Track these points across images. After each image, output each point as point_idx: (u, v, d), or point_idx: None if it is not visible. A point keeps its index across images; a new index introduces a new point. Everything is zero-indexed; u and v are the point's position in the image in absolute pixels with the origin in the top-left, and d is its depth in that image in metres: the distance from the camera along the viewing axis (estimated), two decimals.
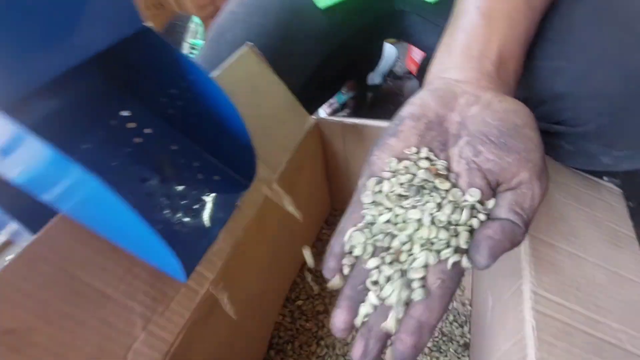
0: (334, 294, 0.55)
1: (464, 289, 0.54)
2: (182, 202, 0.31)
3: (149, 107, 0.32)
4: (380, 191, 0.25)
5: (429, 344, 0.48)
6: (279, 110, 0.47)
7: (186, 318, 0.31)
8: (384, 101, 0.99)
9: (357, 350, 0.23)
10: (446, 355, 0.47)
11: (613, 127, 0.31)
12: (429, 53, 0.56)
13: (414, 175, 0.24)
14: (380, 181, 0.25)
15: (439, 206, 0.23)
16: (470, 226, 0.23)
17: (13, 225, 0.34)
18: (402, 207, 0.24)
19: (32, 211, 0.29)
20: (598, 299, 0.30)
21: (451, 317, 0.51)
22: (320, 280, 0.56)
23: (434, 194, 0.24)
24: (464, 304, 0.52)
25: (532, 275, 0.31)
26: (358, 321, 0.23)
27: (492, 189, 0.24)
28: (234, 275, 0.37)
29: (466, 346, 0.48)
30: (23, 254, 0.25)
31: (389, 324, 0.22)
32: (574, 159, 0.39)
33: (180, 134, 0.33)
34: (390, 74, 1.04)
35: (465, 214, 0.23)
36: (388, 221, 0.24)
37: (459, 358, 0.47)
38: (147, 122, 0.31)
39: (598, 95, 0.30)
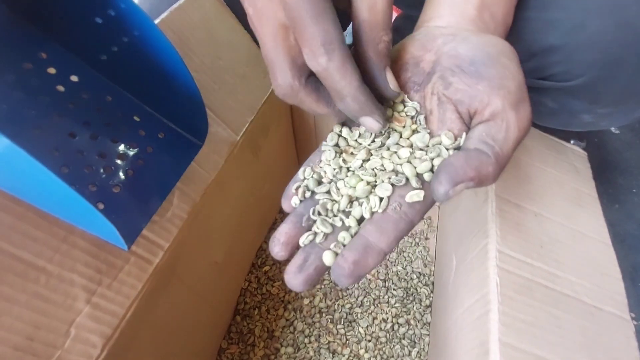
0: None
1: (428, 249, 0.55)
2: (121, 162, 0.27)
3: (75, 51, 0.27)
4: (340, 135, 0.24)
5: (395, 303, 0.49)
6: (241, 63, 0.42)
7: (138, 289, 0.28)
8: None
9: (293, 262, 0.21)
10: (409, 314, 0.48)
11: (603, 81, 0.31)
12: (407, 10, 0.53)
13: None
14: (344, 124, 0.25)
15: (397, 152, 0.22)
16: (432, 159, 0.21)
17: None
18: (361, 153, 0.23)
19: None
20: (559, 255, 0.31)
21: (415, 278, 0.52)
22: None
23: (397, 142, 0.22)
24: (426, 265, 0.53)
25: (498, 234, 0.31)
26: (302, 240, 0.21)
27: (466, 123, 0.22)
28: (193, 243, 0.34)
29: (430, 306, 0.49)
30: None
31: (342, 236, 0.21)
32: (555, 118, 0.38)
33: (116, 85, 0.29)
34: None
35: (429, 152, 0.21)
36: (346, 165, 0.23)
37: (422, 316, 0.48)
38: (73, 68, 0.27)
39: (592, 46, 0.29)
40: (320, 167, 0.24)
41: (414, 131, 0.23)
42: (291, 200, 0.23)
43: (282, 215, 0.59)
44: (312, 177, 0.23)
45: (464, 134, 0.21)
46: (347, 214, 0.22)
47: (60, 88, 0.26)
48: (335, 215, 0.22)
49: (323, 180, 0.24)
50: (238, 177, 0.42)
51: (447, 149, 0.21)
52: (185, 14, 0.36)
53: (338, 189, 0.23)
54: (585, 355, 0.26)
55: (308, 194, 0.23)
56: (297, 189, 0.23)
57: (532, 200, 0.35)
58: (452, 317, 0.37)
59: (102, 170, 0.26)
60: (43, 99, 0.25)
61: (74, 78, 0.27)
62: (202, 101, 0.29)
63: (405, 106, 0.23)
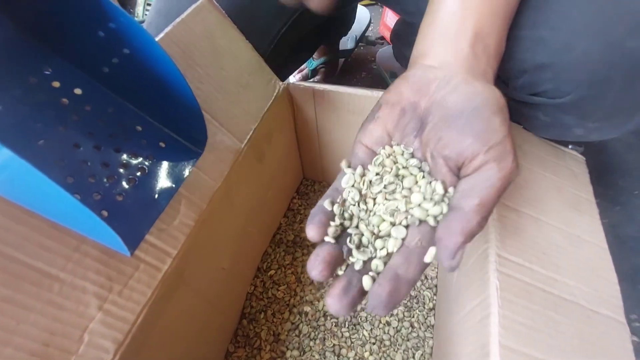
0: (305, 264, 0.55)
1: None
2: (124, 171, 0.28)
3: (78, 64, 0.28)
4: (355, 176, 0.27)
5: (399, 306, 0.50)
6: (243, 72, 0.43)
7: (147, 295, 0.29)
8: (356, 67, 0.96)
9: (337, 286, 0.22)
10: (413, 317, 0.49)
11: (591, 99, 0.31)
12: (406, 17, 0.53)
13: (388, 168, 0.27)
14: (357, 169, 0.27)
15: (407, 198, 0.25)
16: (435, 216, 0.24)
17: None
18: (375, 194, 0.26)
19: None
20: (557, 259, 0.32)
21: (419, 281, 0.53)
22: (292, 250, 0.56)
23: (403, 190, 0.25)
24: (432, 269, 0.54)
25: (498, 239, 0.32)
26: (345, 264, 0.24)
27: (456, 175, 0.24)
28: (200, 249, 0.35)
29: (433, 309, 0.50)
30: None
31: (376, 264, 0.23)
32: (548, 130, 0.39)
33: (118, 96, 0.30)
34: (363, 39, 1.01)
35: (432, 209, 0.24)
36: (360, 204, 0.26)
37: (425, 319, 0.49)
38: (76, 81, 0.28)
39: (579, 66, 0.30)
40: (346, 206, 0.26)
41: (418, 178, 0.26)
42: (325, 237, 0.24)
43: (286, 219, 0.60)
44: (341, 214, 0.25)
45: (452, 188, 0.24)
46: (376, 246, 0.24)
47: (65, 101, 0.27)
48: (366, 247, 0.24)
49: (351, 214, 0.26)
50: (243, 183, 0.43)
51: (443, 199, 0.24)
52: (188, 27, 0.37)
53: (366, 225, 0.25)
54: (582, 357, 0.27)
55: (338, 231, 0.25)
56: (325, 222, 0.25)
57: (531, 206, 0.35)
58: (454, 320, 0.37)
59: (105, 180, 0.27)
60: (48, 111, 0.26)
61: (78, 91, 0.28)
62: (200, 110, 0.30)
63: (410, 158, 0.27)
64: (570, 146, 0.42)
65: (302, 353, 0.46)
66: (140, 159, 0.30)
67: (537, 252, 0.32)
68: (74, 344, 0.26)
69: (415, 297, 0.51)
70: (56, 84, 0.28)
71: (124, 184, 0.28)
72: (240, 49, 0.43)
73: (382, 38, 1.07)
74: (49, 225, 0.26)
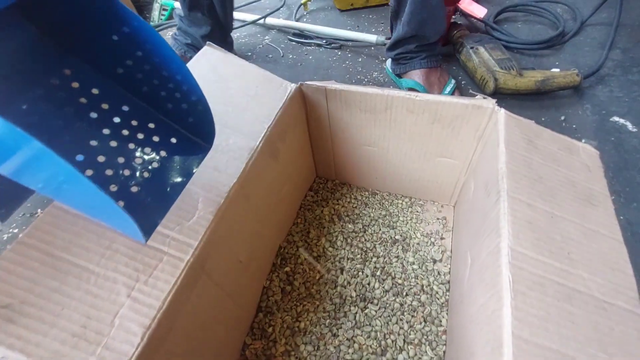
0: (321, 261, 0.56)
1: (444, 248, 0.56)
2: (138, 164, 0.30)
3: (95, 65, 0.30)
4: None
5: (412, 301, 0.50)
6: (251, 86, 0.48)
7: (171, 284, 0.30)
8: (367, 67, 0.97)
9: None
10: (425, 311, 0.49)
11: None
12: None
13: None
14: None
15: None
16: None
17: None
18: None
19: None
20: (571, 252, 0.32)
21: (431, 277, 0.53)
22: (305, 247, 0.57)
23: None
24: (441, 264, 0.54)
25: (510, 233, 0.32)
26: None
27: None
28: (219, 242, 0.37)
29: (446, 304, 0.50)
30: (16, 244, 0.30)
31: None
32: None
33: (132, 96, 0.32)
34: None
35: None
36: None
37: (438, 313, 0.49)
38: (94, 82, 0.30)
39: None
40: None
41: None
42: None
43: (299, 218, 0.61)
44: None
45: None
46: None
47: (83, 100, 0.29)
48: None
49: None
50: (258, 180, 0.44)
51: None
52: (195, 67, 0.46)
53: None
54: (597, 348, 0.27)
55: None
56: None
57: (544, 200, 0.35)
58: (467, 314, 0.38)
59: (121, 172, 0.29)
60: (68, 110, 0.28)
61: (95, 91, 0.30)
62: (207, 105, 0.32)
63: None
64: (583, 140, 0.42)
65: (316, 348, 0.47)
66: (153, 154, 0.32)
67: (551, 246, 0.32)
68: (107, 327, 0.27)
69: (428, 292, 0.51)
70: (75, 85, 0.30)
71: (139, 176, 0.30)
72: (245, 71, 0.49)
73: None
74: (87, 230, 0.31)
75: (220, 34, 0.90)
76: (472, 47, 0.87)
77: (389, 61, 0.90)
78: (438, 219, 0.61)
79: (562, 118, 0.75)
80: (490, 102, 0.45)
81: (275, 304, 0.51)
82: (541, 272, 0.31)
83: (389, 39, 1.04)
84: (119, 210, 0.24)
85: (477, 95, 0.46)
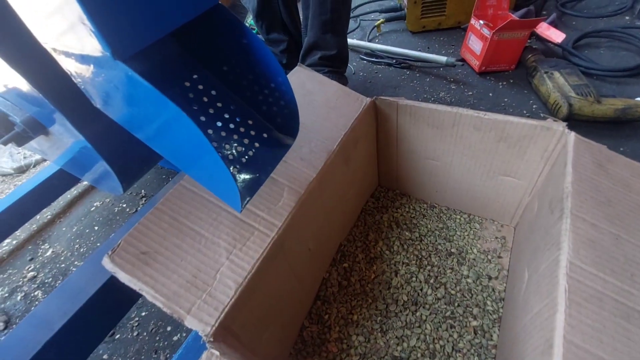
0: (377, 262, 0.60)
1: (501, 267, 0.57)
2: (239, 151, 0.37)
3: (213, 72, 0.39)
4: None
5: (464, 312, 0.52)
6: (331, 99, 0.56)
7: (259, 253, 0.37)
8: (435, 87, 1.00)
9: None
10: (478, 324, 0.51)
11: None
12: None
13: None
14: None
15: None
16: None
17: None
18: None
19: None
20: (635, 275, 0.33)
21: (485, 292, 0.54)
22: (363, 247, 0.62)
23: None
24: (497, 280, 0.55)
25: (570, 247, 0.34)
26: None
27: None
28: (295, 228, 0.43)
29: (498, 320, 0.51)
30: (154, 210, 0.39)
31: None
32: None
33: (238, 97, 0.40)
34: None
35: None
36: None
37: (490, 328, 0.50)
38: (212, 85, 0.38)
39: None
40: None
41: None
42: None
43: (359, 221, 0.66)
44: None
45: None
46: None
47: (205, 99, 0.38)
48: None
49: None
50: (331, 180, 0.50)
51: None
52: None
53: None
54: None
55: None
56: None
57: (610, 222, 0.36)
58: (520, 324, 0.39)
59: (229, 154, 0.36)
60: (195, 105, 0.36)
61: (213, 92, 0.39)
62: (295, 111, 0.39)
63: None
64: None
65: (367, 340, 0.51)
66: (250, 145, 0.39)
67: (613, 265, 0.33)
68: (211, 279, 0.35)
69: (481, 307, 0.53)
70: (200, 87, 0.38)
71: (240, 157, 0.38)
72: (328, 87, 0.57)
73: (463, 60, 1.09)
74: (202, 205, 0.40)
75: (296, 48, 1.02)
76: (546, 72, 0.86)
77: None
78: (497, 237, 0.61)
79: None
80: (561, 125, 0.46)
81: (333, 295, 0.56)
82: (600, 287, 0.32)
83: (460, 60, 1.06)
84: (230, 181, 0.31)
85: (547, 117, 0.48)
